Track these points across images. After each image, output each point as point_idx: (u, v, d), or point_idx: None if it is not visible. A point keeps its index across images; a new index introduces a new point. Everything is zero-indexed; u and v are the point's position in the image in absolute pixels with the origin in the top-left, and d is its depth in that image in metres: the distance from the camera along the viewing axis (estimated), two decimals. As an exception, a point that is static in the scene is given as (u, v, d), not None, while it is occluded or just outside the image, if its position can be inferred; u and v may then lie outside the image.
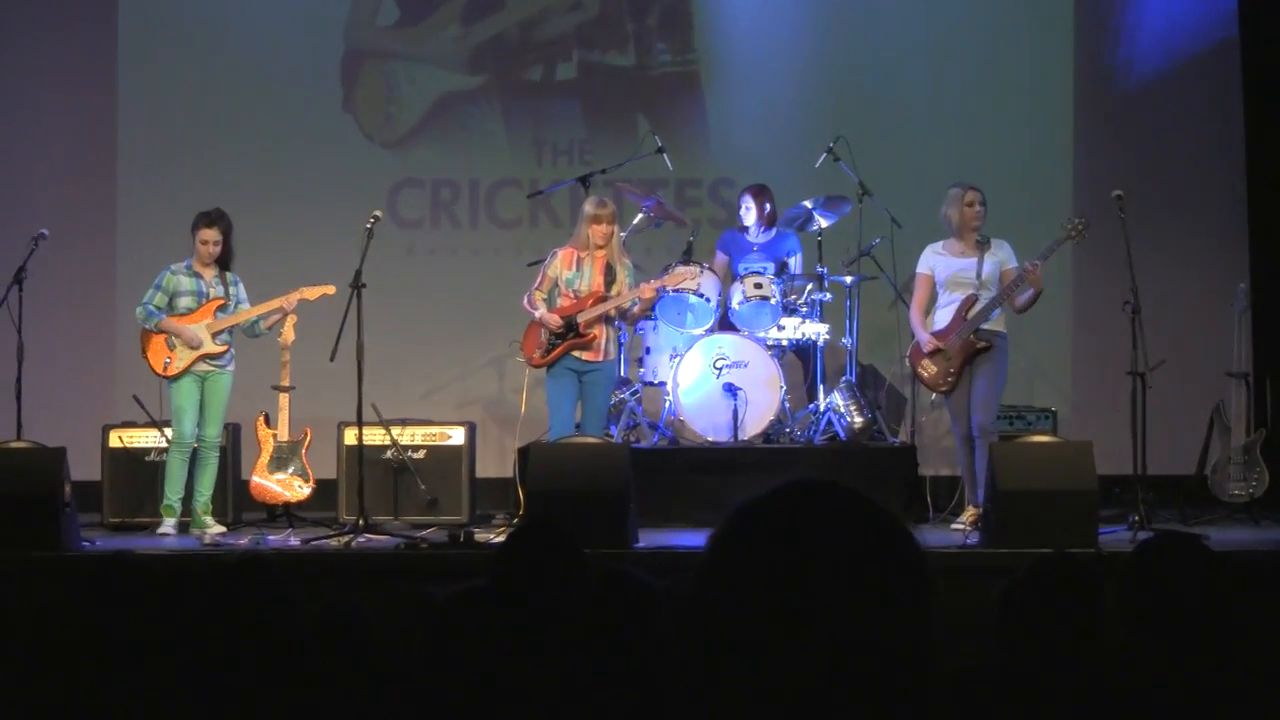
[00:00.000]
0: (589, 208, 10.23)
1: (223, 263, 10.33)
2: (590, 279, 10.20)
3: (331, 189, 12.38)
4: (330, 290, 10.31)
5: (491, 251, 12.46)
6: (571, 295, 10.21)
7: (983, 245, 9.89)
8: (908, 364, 10.29)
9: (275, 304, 10.34)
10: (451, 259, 12.65)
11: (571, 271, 10.23)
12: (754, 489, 1.87)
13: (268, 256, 11.45)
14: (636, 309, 10.40)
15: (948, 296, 9.94)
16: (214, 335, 10.21)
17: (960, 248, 9.94)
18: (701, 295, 10.74)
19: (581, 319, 10.11)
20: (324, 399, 10.78)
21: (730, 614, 1.78)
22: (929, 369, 9.95)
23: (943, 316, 9.95)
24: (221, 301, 10.28)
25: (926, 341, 9.91)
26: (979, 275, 9.84)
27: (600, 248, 10.18)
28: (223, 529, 10.21)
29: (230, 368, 10.31)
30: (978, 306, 9.80)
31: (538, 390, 10.56)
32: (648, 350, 11.11)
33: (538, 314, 10.17)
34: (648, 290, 10.24)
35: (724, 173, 12.49)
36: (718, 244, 11.50)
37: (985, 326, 9.83)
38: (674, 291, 10.55)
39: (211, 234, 10.23)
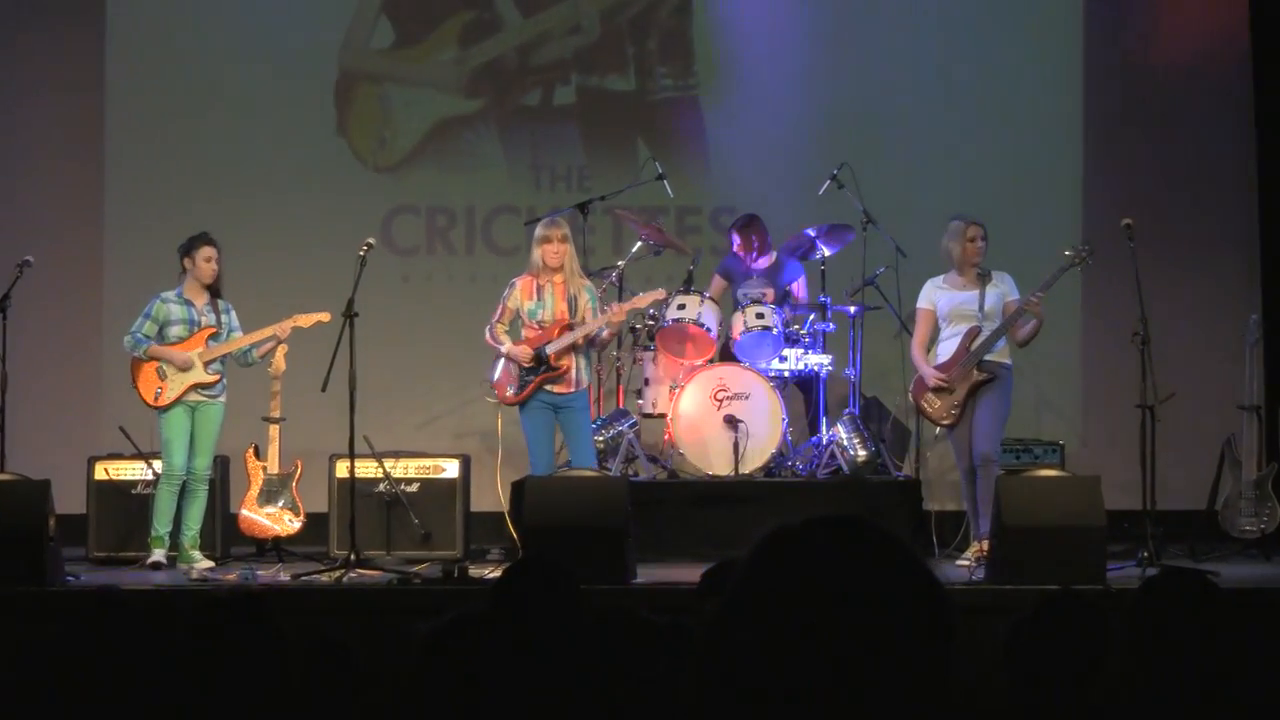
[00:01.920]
0: (538, 229, 9.96)
1: (214, 290, 10.17)
2: (553, 307, 9.88)
3: (324, 215, 12.31)
4: (325, 318, 10.19)
5: (489, 279, 12.24)
6: (536, 326, 9.89)
7: (984, 278, 9.78)
8: (911, 398, 10.14)
9: (268, 332, 10.20)
10: (448, 287, 12.54)
11: (533, 302, 9.90)
12: (755, 523, 1.90)
13: (258, 285, 11.34)
14: (606, 334, 10.13)
15: (951, 329, 9.85)
16: (206, 364, 10.03)
17: (961, 281, 9.85)
18: (702, 325, 10.58)
19: (551, 350, 9.79)
20: (315, 431, 10.75)
21: (756, 640, 1.80)
22: (933, 403, 9.85)
23: (946, 349, 9.85)
24: (214, 330, 10.11)
25: (930, 376, 9.79)
26: (981, 308, 9.75)
27: (556, 271, 9.85)
28: (211, 564, 10.06)
29: (221, 399, 10.14)
30: (980, 338, 9.69)
31: (513, 427, 10.31)
32: (647, 381, 10.97)
33: (504, 349, 9.88)
34: (617, 314, 9.94)
35: (725, 200, 12.36)
36: (717, 268, 11.45)
37: (989, 358, 9.76)
38: (650, 310, 10.48)
39: (213, 251, 10.05)
